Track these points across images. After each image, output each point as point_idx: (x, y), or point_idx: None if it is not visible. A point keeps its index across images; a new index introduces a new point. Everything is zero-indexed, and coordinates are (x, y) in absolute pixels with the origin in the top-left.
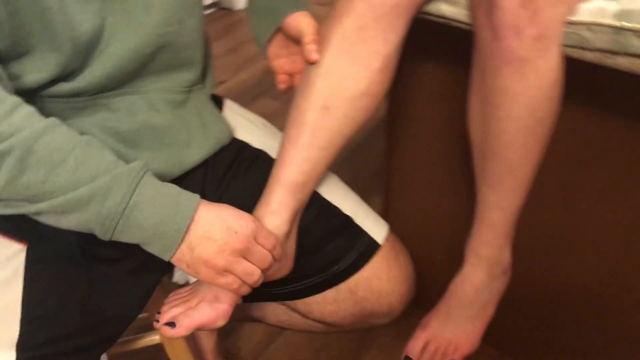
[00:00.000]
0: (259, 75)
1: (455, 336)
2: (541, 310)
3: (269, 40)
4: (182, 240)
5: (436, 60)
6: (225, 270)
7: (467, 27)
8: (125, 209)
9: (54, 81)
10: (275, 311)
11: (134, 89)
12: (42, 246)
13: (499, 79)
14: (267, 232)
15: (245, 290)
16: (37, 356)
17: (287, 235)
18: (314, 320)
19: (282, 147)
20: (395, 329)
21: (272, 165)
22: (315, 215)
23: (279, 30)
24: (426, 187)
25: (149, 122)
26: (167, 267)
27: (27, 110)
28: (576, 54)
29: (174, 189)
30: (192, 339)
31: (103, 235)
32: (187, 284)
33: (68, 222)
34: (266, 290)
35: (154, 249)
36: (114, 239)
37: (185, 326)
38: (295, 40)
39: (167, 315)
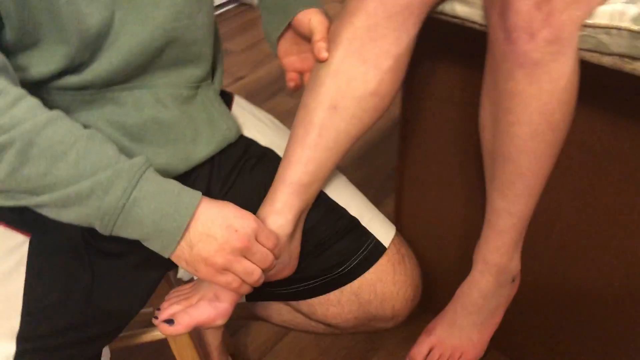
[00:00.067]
0: (277, 72)
1: (460, 343)
2: (554, 318)
3: (280, 37)
4: (182, 237)
5: (452, 62)
6: (225, 269)
7: (482, 28)
8: (125, 204)
9: (61, 73)
10: (279, 311)
11: (141, 84)
12: (46, 238)
13: (511, 82)
14: (269, 231)
15: (246, 289)
16: (37, 348)
17: (291, 235)
18: (317, 321)
19: (289, 146)
20: (403, 332)
21: (279, 164)
22: (321, 216)
23: (290, 27)
24: (438, 190)
25: (156, 117)
26: (172, 263)
27: (30, 103)
28: (593, 58)
29: (176, 185)
30: (197, 335)
31: (103, 230)
32: (191, 280)
33: (68, 215)
34: (269, 290)
35: (153, 245)
36: (114, 234)
37: (183, 324)
38: (306, 38)
39: (166, 312)
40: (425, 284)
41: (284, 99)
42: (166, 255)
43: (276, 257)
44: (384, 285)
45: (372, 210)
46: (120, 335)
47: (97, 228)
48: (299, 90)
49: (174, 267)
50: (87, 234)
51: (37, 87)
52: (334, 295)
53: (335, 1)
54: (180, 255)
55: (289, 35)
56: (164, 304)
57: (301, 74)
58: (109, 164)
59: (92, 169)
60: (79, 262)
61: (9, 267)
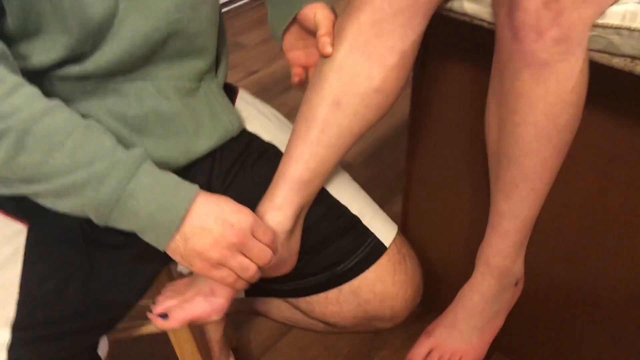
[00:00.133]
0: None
1: (460, 346)
2: (560, 321)
3: (285, 31)
4: (177, 230)
5: (462, 60)
6: (220, 264)
7: (490, 26)
8: (120, 196)
9: (62, 63)
10: (279, 307)
11: (144, 75)
12: (44, 228)
13: (518, 82)
14: (266, 227)
15: (242, 285)
16: (32, 337)
17: (291, 232)
18: (316, 319)
19: (290, 142)
20: (408, 331)
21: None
22: (322, 214)
23: (296, 21)
24: (446, 189)
25: (157, 109)
26: None
27: (28, 91)
28: (603, 59)
29: (173, 178)
30: (198, 329)
31: (99, 221)
32: (191, 274)
33: (64, 205)
34: (268, 286)
35: (148, 237)
36: (109, 225)
37: (177, 319)
38: (312, 33)
39: (161, 306)
40: (430, 283)
41: (297, 93)
42: (161, 248)
43: (273, 254)
44: (383, 285)
45: (374, 209)
46: (120, 326)
47: (93, 219)
48: (305, 86)
49: (173, 260)
50: (86, 224)
51: (38, 76)
52: (332, 293)
53: None
54: (175, 248)
55: (294, 29)
56: (159, 298)
57: (306, 69)
58: (106, 155)
59: (88, 159)
60: (77, 252)
61: (5, 256)
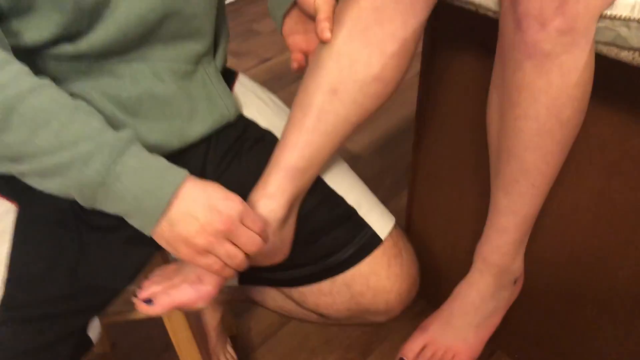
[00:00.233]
0: None
1: (454, 343)
2: (564, 321)
3: (285, 15)
4: (163, 215)
5: (471, 52)
6: (206, 251)
7: (495, 16)
8: (105, 178)
9: (56, 42)
10: (273, 297)
11: (139, 57)
12: (34, 208)
13: (519, 73)
14: (255, 216)
15: (229, 272)
16: (20, 317)
17: (283, 220)
18: (308, 310)
19: (286, 129)
20: (409, 325)
21: None
22: (317, 203)
23: (296, 5)
24: (453, 183)
25: (152, 91)
26: None
27: (16, 68)
28: (610, 52)
29: (161, 162)
30: (194, 315)
31: (84, 202)
32: None
33: (49, 185)
34: (261, 275)
35: (134, 222)
36: (95, 207)
37: (162, 305)
38: (312, 17)
39: (146, 291)
40: (434, 278)
41: None
42: (147, 233)
43: (264, 243)
44: (377, 279)
45: (371, 200)
46: (117, 310)
47: (79, 200)
48: (300, 73)
49: None
50: (77, 205)
51: (31, 55)
52: (325, 284)
53: None
54: (161, 233)
55: (294, 13)
56: (146, 283)
57: (306, 54)
58: (92, 136)
59: (73, 139)
60: (67, 234)
61: None
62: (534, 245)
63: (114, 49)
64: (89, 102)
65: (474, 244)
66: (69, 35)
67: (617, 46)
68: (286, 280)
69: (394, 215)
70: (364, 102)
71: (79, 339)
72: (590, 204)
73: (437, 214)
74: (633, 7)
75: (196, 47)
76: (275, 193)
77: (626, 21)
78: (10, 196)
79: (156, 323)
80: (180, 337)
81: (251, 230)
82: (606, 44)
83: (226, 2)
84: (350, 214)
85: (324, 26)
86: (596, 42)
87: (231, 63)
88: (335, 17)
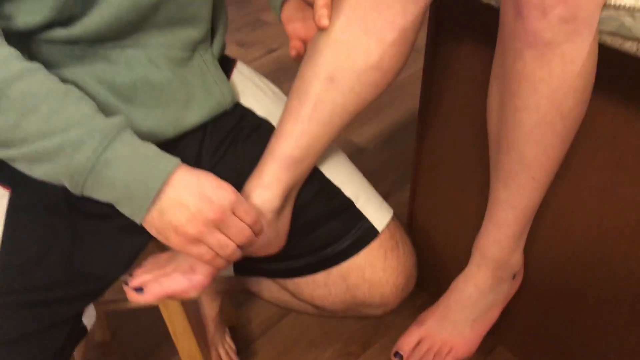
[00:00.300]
0: None
1: (451, 337)
2: (567, 318)
3: (284, 2)
4: (153, 204)
5: (476, 43)
6: (197, 240)
7: (498, 5)
8: (95, 164)
9: (49, 26)
10: (269, 288)
11: (134, 43)
12: (26, 194)
13: (519, 63)
14: (248, 206)
15: (220, 262)
16: (11, 303)
17: (279, 211)
18: (304, 302)
19: (282, 118)
20: (410, 319)
21: None
22: (314, 194)
23: None
24: (455, 177)
25: (147, 77)
26: None
27: (5, 52)
28: (614, 42)
29: (152, 150)
30: (193, 304)
31: (74, 189)
32: None
33: (39, 171)
34: (256, 265)
35: (125, 209)
36: (85, 194)
37: (153, 293)
38: (311, 4)
39: (137, 279)
40: (436, 272)
41: None
42: (137, 221)
43: (256, 234)
44: (373, 271)
45: (368, 192)
46: (111, 299)
47: (68, 187)
48: (298, 61)
49: None
50: (71, 192)
51: (24, 39)
52: (320, 276)
53: None
54: (151, 222)
55: (293, 0)
56: (137, 271)
57: (305, 42)
58: (82, 122)
59: (63, 125)
60: (60, 221)
61: None
62: (536, 241)
63: (108, 34)
64: (82, 87)
65: None
66: (63, 19)
67: (621, 36)
68: (281, 271)
69: (397, 209)
70: (362, 91)
71: (73, 327)
72: (594, 200)
73: (439, 207)
74: None
75: (192, 33)
76: (270, 183)
77: (631, 11)
78: (3, 181)
79: (157, 313)
80: (178, 326)
81: (244, 221)
82: (610, 33)
83: None
84: (347, 205)
85: (321, 13)
86: (600, 31)
87: (238, 53)
88: (333, 4)
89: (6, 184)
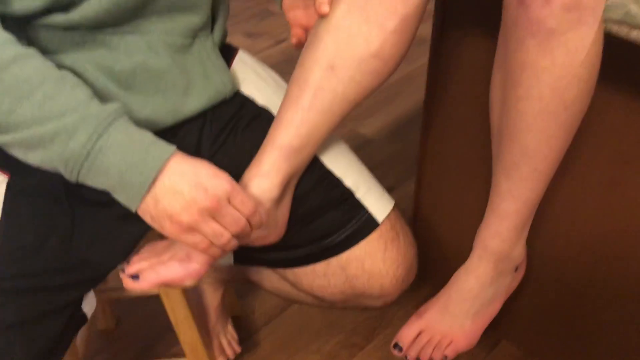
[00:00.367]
0: None
1: (451, 330)
2: (571, 313)
3: None
4: (148, 191)
5: (482, 32)
6: (192, 229)
7: None
8: (90, 151)
9: (47, 11)
10: (269, 278)
11: (134, 29)
12: (26, 180)
13: (522, 51)
14: (245, 196)
15: (215, 252)
16: (9, 289)
17: (278, 200)
18: (304, 292)
19: (282, 107)
20: (414, 311)
21: None
22: (313, 184)
23: None
24: (461, 168)
25: (146, 63)
26: None
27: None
28: (620, 31)
29: (148, 137)
30: (195, 293)
31: (69, 176)
32: None
33: (34, 157)
34: (256, 255)
35: (120, 197)
36: (80, 181)
37: (148, 281)
38: None
39: (133, 267)
40: (441, 264)
41: None
42: (132, 209)
43: (254, 225)
44: (372, 262)
45: (369, 182)
46: (111, 287)
47: (63, 174)
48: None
49: None
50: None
51: (22, 25)
52: (320, 266)
53: None
54: (146, 209)
55: None
56: (134, 258)
57: (307, 29)
58: (77, 108)
59: (58, 111)
60: (59, 207)
61: None
62: (541, 236)
63: (107, 20)
64: (81, 74)
65: None
66: (61, 4)
67: (627, 24)
68: (280, 260)
69: (403, 201)
70: (362, 79)
71: (73, 314)
72: (600, 193)
73: (445, 200)
74: None
75: (193, 20)
76: (269, 172)
77: None
78: (2, 167)
79: (161, 301)
80: (179, 315)
81: (240, 211)
82: (616, 22)
83: None
84: (347, 196)
85: (322, 0)
86: (605, 20)
87: (246, 44)
88: None
89: (5, 169)
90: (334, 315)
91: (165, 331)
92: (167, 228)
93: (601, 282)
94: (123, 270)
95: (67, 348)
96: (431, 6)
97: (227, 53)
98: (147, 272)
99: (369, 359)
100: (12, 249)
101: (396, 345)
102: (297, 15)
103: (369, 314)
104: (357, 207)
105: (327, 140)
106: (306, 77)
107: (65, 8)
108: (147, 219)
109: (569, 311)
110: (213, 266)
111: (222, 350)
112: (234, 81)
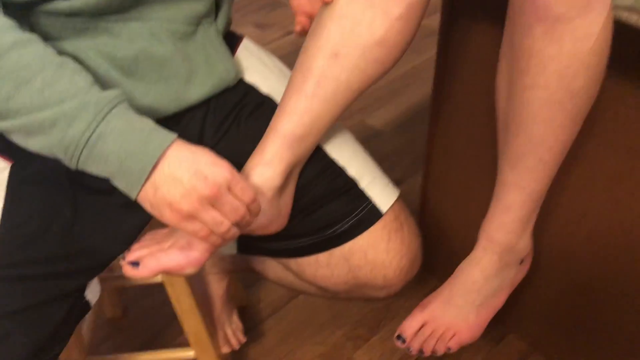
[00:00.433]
0: None
1: (455, 322)
2: (580, 309)
3: None
4: (147, 179)
5: (491, 25)
6: (191, 217)
7: None
8: (89, 138)
9: None
10: (273, 267)
11: (137, 16)
12: (28, 167)
13: (528, 39)
14: (246, 185)
15: (216, 240)
16: (11, 276)
17: (280, 189)
18: (307, 282)
19: (285, 95)
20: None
21: None
22: (316, 174)
23: None
24: (468, 160)
25: (148, 50)
26: None
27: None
28: (630, 19)
29: (148, 124)
30: (200, 283)
31: (69, 163)
32: None
33: (34, 144)
34: (259, 244)
35: (120, 184)
36: (79, 168)
37: (149, 268)
38: None
39: (134, 254)
40: (447, 257)
41: None
42: (132, 197)
43: (253, 214)
44: (375, 253)
45: (374, 172)
46: (115, 275)
47: (63, 160)
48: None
49: None
50: None
51: (25, 10)
52: (323, 256)
53: None
54: (146, 197)
55: None
56: (135, 246)
57: (311, 17)
58: (77, 95)
59: (57, 98)
60: (62, 195)
61: None
62: (548, 228)
63: (109, 6)
64: (83, 61)
65: None
66: None
67: (638, 11)
68: (283, 250)
69: (411, 193)
70: (367, 67)
71: (76, 301)
72: (608, 186)
73: (452, 192)
74: None
75: (197, 7)
76: (271, 161)
77: None
78: (5, 154)
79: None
80: (183, 305)
81: (240, 199)
82: (626, 8)
83: None
84: (350, 185)
85: None
86: (615, 7)
87: (256, 35)
88: None
89: (8, 156)
90: (339, 307)
91: (172, 320)
92: (166, 216)
93: (609, 276)
94: (124, 258)
95: (70, 335)
96: None
97: (232, 41)
98: (147, 260)
99: (374, 351)
100: (14, 236)
101: (399, 337)
102: (301, 2)
103: (374, 305)
104: (361, 197)
105: (332, 130)
106: (309, 65)
107: None
108: (147, 206)
109: (576, 305)
110: (216, 255)
111: (227, 340)
112: (237, 69)
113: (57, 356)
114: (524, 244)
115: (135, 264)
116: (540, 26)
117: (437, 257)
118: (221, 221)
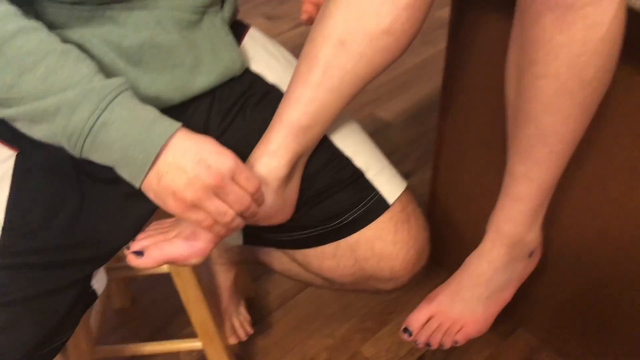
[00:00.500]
0: None
1: (462, 316)
2: (590, 304)
3: None
4: (151, 167)
5: (502, 16)
6: (195, 206)
7: None
8: (92, 126)
9: None
10: (280, 259)
11: (143, 4)
12: (34, 155)
13: (538, 27)
14: (250, 174)
15: (220, 230)
16: (16, 264)
17: (286, 179)
18: (313, 273)
19: (291, 84)
20: None
21: None
22: (323, 164)
23: None
24: (478, 153)
25: (153, 39)
26: None
27: (3, 9)
28: None
29: (152, 113)
30: (207, 274)
31: (72, 151)
32: None
33: (38, 131)
34: (265, 235)
35: (123, 173)
36: (83, 156)
37: (153, 258)
38: None
39: (138, 243)
40: (457, 248)
41: None
42: (136, 185)
43: (258, 203)
44: (382, 244)
45: (381, 163)
46: (121, 265)
47: (66, 148)
48: (309, 25)
49: None
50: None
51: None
52: (329, 248)
53: None
54: (149, 186)
55: None
56: (140, 236)
57: (318, 5)
58: (80, 83)
59: (61, 85)
60: (68, 184)
61: None
62: (560, 221)
63: None
64: (88, 49)
65: None
66: None
67: None
68: (289, 241)
69: (421, 186)
70: (374, 57)
71: (82, 291)
72: (622, 177)
73: (462, 185)
74: None
75: None
76: (277, 151)
77: None
78: (11, 143)
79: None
80: (190, 295)
81: (244, 189)
82: None
83: None
84: (357, 176)
85: None
86: None
87: (266, 26)
88: None
89: (14, 145)
90: (347, 300)
91: (180, 311)
92: (170, 205)
93: (621, 270)
94: (128, 248)
95: (76, 324)
96: None
97: (238, 30)
98: (151, 249)
99: (382, 344)
100: (20, 225)
101: (406, 330)
102: None
103: (382, 298)
104: (368, 188)
105: (338, 120)
106: (315, 54)
107: None
108: (151, 195)
109: (588, 300)
110: (223, 246)
111: (234, 331)
112: (243, 58)
113: (64, 344)
114: (533, 236)
115: (140, 253)
116: (550, 14)
117: (446, 249)
118: (225, 211)
